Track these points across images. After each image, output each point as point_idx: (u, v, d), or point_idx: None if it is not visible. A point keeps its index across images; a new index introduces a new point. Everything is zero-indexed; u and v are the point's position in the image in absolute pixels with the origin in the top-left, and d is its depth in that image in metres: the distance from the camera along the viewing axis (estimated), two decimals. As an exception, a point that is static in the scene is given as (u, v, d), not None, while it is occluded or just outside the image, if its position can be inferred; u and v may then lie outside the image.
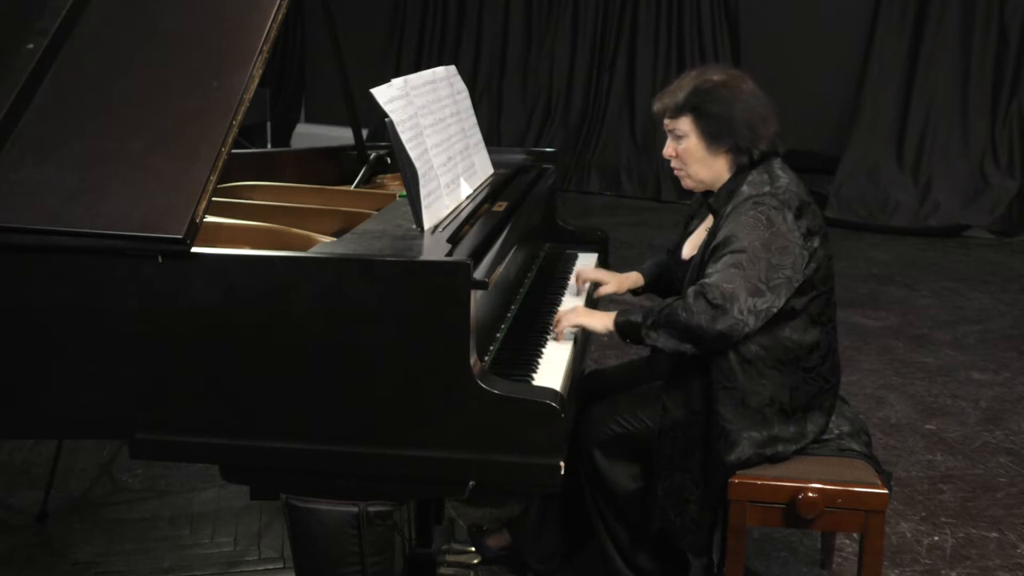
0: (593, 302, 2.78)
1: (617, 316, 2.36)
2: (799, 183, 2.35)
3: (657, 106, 2.42)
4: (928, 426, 3.92)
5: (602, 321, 2.40)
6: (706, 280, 2.24)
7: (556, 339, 2.42)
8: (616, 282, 2.76)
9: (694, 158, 2.38)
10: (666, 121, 2.40)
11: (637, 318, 2.32)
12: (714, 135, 2.34)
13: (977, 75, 7.34)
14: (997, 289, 5.89)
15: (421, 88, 2.36)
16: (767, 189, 2.28)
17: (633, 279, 2.79)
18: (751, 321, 2.21)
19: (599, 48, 8.79)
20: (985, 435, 3.84)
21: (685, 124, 2.36)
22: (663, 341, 2.27)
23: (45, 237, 1.91)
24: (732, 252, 2.23)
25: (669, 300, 2.30)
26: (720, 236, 2.28)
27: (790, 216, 2.26)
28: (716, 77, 2.36)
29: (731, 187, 2.35)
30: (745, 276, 2.20)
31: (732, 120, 2.32)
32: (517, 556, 2.80)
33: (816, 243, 2.29)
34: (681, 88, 2.38)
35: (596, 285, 2.80)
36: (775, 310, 2.24)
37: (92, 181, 1.97)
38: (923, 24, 7.43)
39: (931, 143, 7.48)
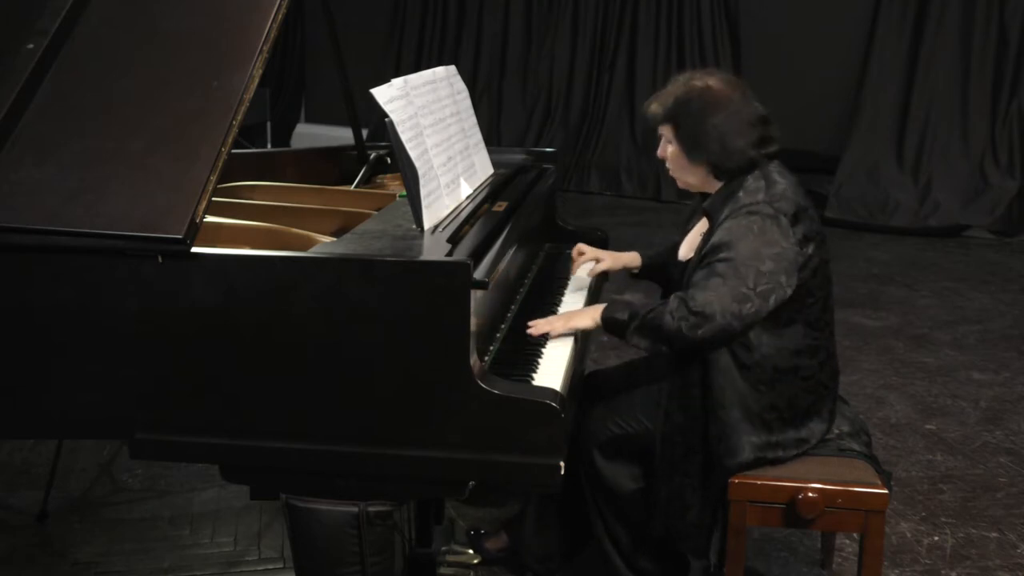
0: (598, 293, 2.80)
1: (604, 310, 2.38)
2: (796, 188, 2.34)
3: (649, 108, 2.44)
4: (928, 426, 3.92)
5: (591, 316, 2.40)
6: (690, 288, 2.26)
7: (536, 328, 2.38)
8: (611, 259, 2.80)
9: (678, 165, 2.42)
10: (657, 124, 2.43)
11: (623, 316, 2.34)
12: (690, 148, 2.36)
13: (977, 75, 7.34)
14: (997, 289, 5.89)
15: (421, 88, 2.36)
16: (761, 197, 2.27)
17: (629, 258, 2.82)
18: (735, 325, 2.22)
19: (599, 48, 8.79)
20: (985, 435, 3.84)
21: (667, 132, 2.40)
22: (645, 344, 2.31)
23: (45, 237, 1.91)
24: (720, 260, 2.24)
25: (654, 304, 2.32)
26: (711, 242, 2.28)
27: (785, 222, 2.25)
28: (699, 85, 2.36)
29: (727, 192, 2.34)
30: (729, 285, 2.21)
31: (705, 135, 2.32)
32: (516, 557, 2.80)
33: (811, 249, 2.29)
34: (669, 95, 2.39)
35: (600, 280, 2.82)
36: (763, 314, 2.24)
37: (92, 181, 1.97)
38: (923, 24, 7.42)
39: (931, 143, 7.48)
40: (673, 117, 2.37)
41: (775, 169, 2.35)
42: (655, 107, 2.42)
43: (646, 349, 2.34)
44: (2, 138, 2.04)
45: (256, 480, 2.06)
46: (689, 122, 2.34)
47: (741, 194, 2.30)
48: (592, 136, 8.78)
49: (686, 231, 2.61)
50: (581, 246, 2.84)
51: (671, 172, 2.46)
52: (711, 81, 2.36)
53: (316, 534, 2.03)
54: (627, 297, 2.88)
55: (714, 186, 2.39)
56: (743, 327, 2.24)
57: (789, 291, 2.26)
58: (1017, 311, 5.47)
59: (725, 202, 2.32)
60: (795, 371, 2.32)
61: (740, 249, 2.22)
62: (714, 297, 2.21)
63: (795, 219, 2.27)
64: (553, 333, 2.38)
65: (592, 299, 2.78)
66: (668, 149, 2.42)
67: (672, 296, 2.29)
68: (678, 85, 2.40)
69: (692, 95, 2.35)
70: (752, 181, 2.31)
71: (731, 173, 2.35)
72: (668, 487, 2.39)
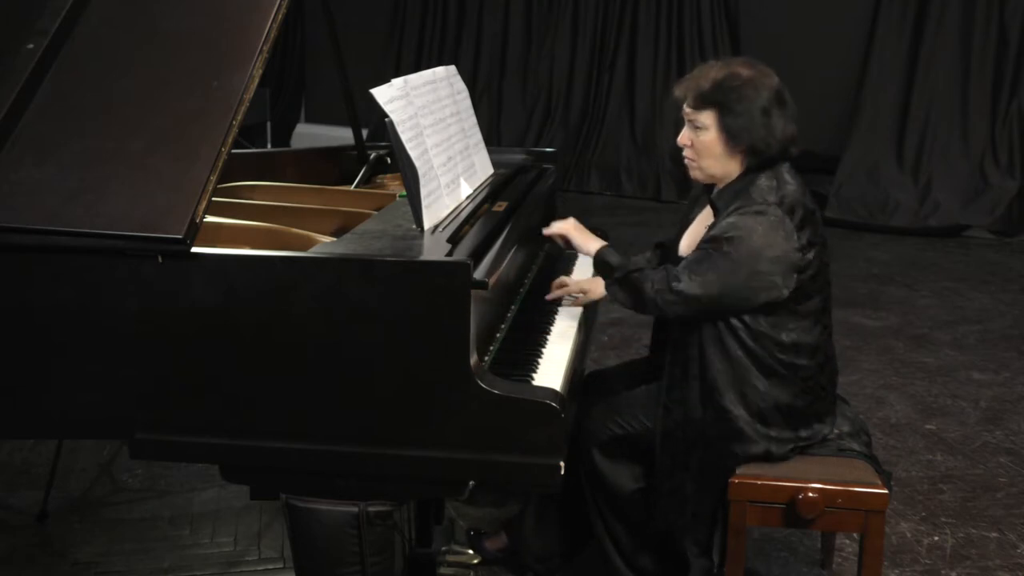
0: (594, 312, 2.78)
1: (600, 249, 2.50)
2: (804, 190, 2.33)
3: (679, 91, 2.38)
4: (928, 426, 3.92)
5: (589, 245, 2.56)
6: (680, 266, 2.31)
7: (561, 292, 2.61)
8: (594, 286, 2.64)
9: (710, 153, 2.34)
10: (687, 109, 2.36)
11: (613, 260, 2.45)
12: (734, 134, 2.30)
13: (977, 75, 7.34)
14: (997, 289, 5.89)
15: (421, 88, 2.36)
16: (772, 198, 2.26)
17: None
18: (713, 308, 2.28)
19: (599, 48, 8.79)
20: (985, 435, 3.84)
21: (707, 118, 2.32)
22: (621, 298, 2.41)
23: (45, 237, 1.91)
24: (717, 252, 2.25)
25: (642, 266, 2.41)
26: (713, 231, 2.28)
27: (790, 225, 2.25)
28: (744, 72, 2.31)
29: (738, 187, 2.33)
30: (720, 277, 2.24)
31: (753, 120, 2.28)
32: (516, 557, 2.80)
33: (812, 254, 2.28)
34: (707, 78, 2.32)
35: None
36: (747, 307, 2.27)
37: (92, 181, 1.97)
38: (923, 24, 7.42)
39: (931, 143, 7.48)
40: (719, 102, 2.30)
41: (786, 169, 2.34)
42: (686, 91, 2.35)
43: (621, 304, 2.43)
44: (2, 138, 2.04)
45: (256, 480, 2.06)
46: (738, 106, 2.28)
47: (752, 191, 2.29)
48: (592, 136, 8.78)
49: (688, 221, 2.59)
50: (562, 278, 2.73)
51: (694, 160, 2.38)
52: (753, 69, 2.32)
53: (316, 534, 2.03)
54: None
55: (733, 178, 2.37)
56: (720, 310, 2.29)
57: (786, 292, 2.26)
58: (1017, 311, 5.47)
59: (735, 197, 2.31)
60: (795, 370, 2.32)
61: (740, 247, 2.23)
62: (699, 283, 2.25)
63: (802, 223, 2.27)
64: (555, 231, 2.62)
65: (591, 312, 2.76)
66: (700, 136, 2.34)
67: (662, 267, 2.35)
68: (715, 69, 2.34)
69: (739, 80, 2.29)
70: (764, 180, 2.30)
71: (765, 163, 2.32)
72: (669, 482, 2.39)
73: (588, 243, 2.57)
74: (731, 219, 2.27)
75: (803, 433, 2.37)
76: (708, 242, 2.28)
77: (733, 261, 2.22)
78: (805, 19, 7.99)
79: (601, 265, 2.49)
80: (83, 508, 3.19)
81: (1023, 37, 7.24)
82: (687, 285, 2.26)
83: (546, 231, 2.65)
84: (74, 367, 1.96)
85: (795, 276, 2.26)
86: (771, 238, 2.23)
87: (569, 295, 2.63)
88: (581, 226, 2.64)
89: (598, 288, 2.57)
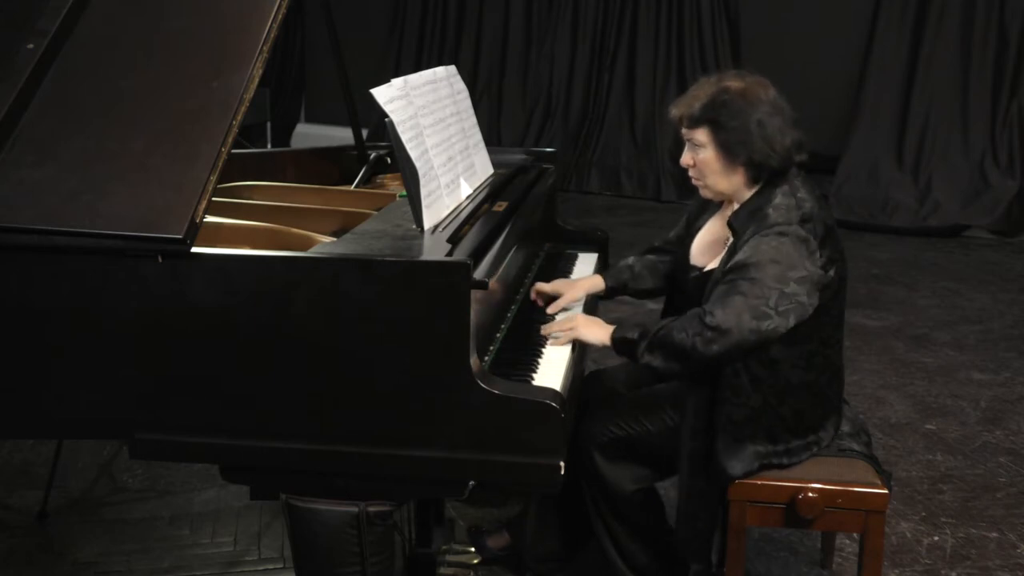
0: (592, 307, 2.74)
1: (614, 332, 2.33)
2: (822, 203, 2.31)
3: (674, 112, 2.36)
4: (928, 426, 3.92)
5: (599, 335, 2.35)
6: (707, 304, 2.21)
7: (552, 342, 2.37)
8: (570, 291, 2.63)
9: (711, 170, 2.32)
10: (683, 130, 2.34)
11: (633, 335, 2.28)
12: (730, 149, 2.27)
13: (977, 75, 7.34)
14: (997, 289, 5.89)
15: (421, 88, 2.36)
16: (794, 217, 2.23)
17: (590, 284, 2.70)
18: (751, 340, 2.19)
19: (599, 48, 8.79)
20: (985, 435, 3.84)
21: (702, 135, 2.30)
22: (658, 362, 2.25)
23: (45, 237, 1.91)
24: (743, 279, 2.19)
25: (665, 320, 2.27)
26: (737, 259, 2.22)
27: (814, 245, 2.22)
28: (735, 86, 2.29)
29: (755, 206, 2.29)
30: (750, 304, 2.16)
31: (748, 133, 2.25)
32: (517, 556, 2.80)
33: (833, 272, 2.27)
34: (699, 96, 2.31)
35: (595, 295, 2.75)
36: (782, 331, 2.20)
37: (92, 181, 1.97)
38: (923, 24, 7.42)
39: (931, 143, 7.48)
40: (711, 119, 2.28)
41: (800, 183, 2.31)
42: (681, 111, 2.33)
43: (660, 368, 2.27)
44: (2, 138, 2.04)
45: (256, 480, 2.06)
46: (731, 121, 2.25)
47: (770, 211, 2.25)
48: (592, 136, 8.78)
49: (696, 228, 2.56)
50: (539, 285, 2.66)
51: (699, 180, 2.37)
52: (745, 81, 2.30)
53: (316, 534, 2.03)
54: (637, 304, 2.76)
55: (744, 195, 2.34)
56: (760, 341, 2.20)
57: (811, 310, 2.23)
58: (1017, 311, 5.47)
59: (752, 217, 2.27)
60: (807, 386, 2.31)
61: (767, 271, 2.18)
62: (732, 313, 2.17)
63: (823, 242, 2.24)
64: (562, 340, 2.34)
65: (589, 309, 2.71)
66: (699, 154, 2.32)
67: (688, 312, 2.24)
68: (707, 86, 2.32)
69: (730, 94, 2.27)
70: (781, 198, 2.26)
71: (770, 175, 2.29)
72: (686, 505, 2.38)
73: (599, 333, 2.36)
74: (751, 243, 2.22)
75: (811, 438, 2.37)
76: (733, 271, 2.22)
77: (760, 286, 2.17)
78: (805, 19, 7.99)
79: (622, 345, 2.31)
80: (83, 508, 3.19)
81: (1023, 37, 7.24)
82: (720, 318, 2.17)
83: (554, 343, 2.35)
84: (74, 367, 1.96)
85: (818, 294, 2.24)
86: (794, 259, 2.19)
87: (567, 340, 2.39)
88: (581, 318, 2.42)
89: (592, 334, 2.37)
